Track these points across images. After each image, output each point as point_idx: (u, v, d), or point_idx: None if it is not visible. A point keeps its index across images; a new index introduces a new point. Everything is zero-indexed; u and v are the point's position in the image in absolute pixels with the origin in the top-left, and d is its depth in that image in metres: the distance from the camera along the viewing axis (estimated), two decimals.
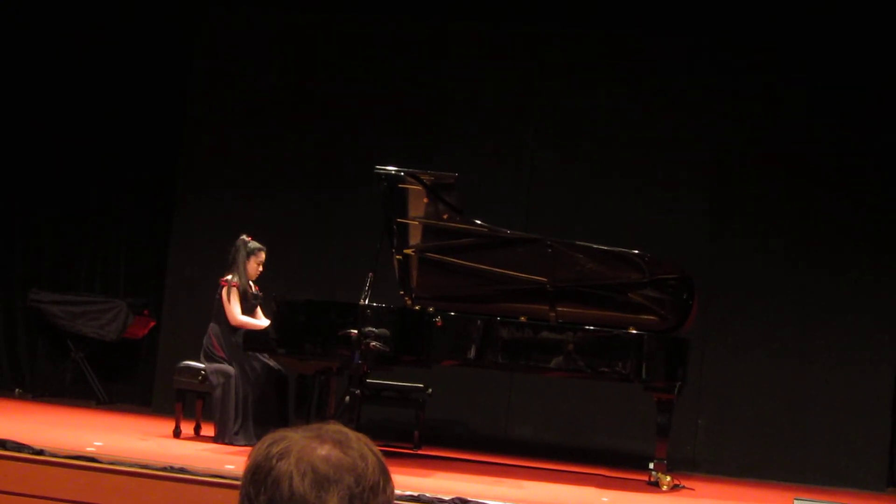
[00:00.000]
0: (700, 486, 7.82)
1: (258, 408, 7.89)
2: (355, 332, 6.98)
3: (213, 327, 8.06)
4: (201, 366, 8.01)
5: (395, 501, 1.66)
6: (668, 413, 7.36)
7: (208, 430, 8.02)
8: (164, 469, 5.89)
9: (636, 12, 9.38)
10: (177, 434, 7.93)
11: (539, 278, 7.63)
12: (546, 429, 9.25)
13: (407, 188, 7.71)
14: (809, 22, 9.11)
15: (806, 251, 9.10)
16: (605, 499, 7.05)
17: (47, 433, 7.10)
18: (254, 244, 8.10)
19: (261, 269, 8.14)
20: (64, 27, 10.27)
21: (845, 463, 8.87)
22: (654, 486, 7.33)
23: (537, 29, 9.58)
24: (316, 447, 1.61)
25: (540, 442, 9.14)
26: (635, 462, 8.14)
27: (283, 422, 7.81)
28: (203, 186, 9.90)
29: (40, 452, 5.99)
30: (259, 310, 8.18)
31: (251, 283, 8.14)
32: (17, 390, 10.07)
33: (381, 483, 1.62)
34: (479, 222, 7.77)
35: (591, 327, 7.49)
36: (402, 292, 7.87)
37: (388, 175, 7.66)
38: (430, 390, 8.52)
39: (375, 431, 6.54)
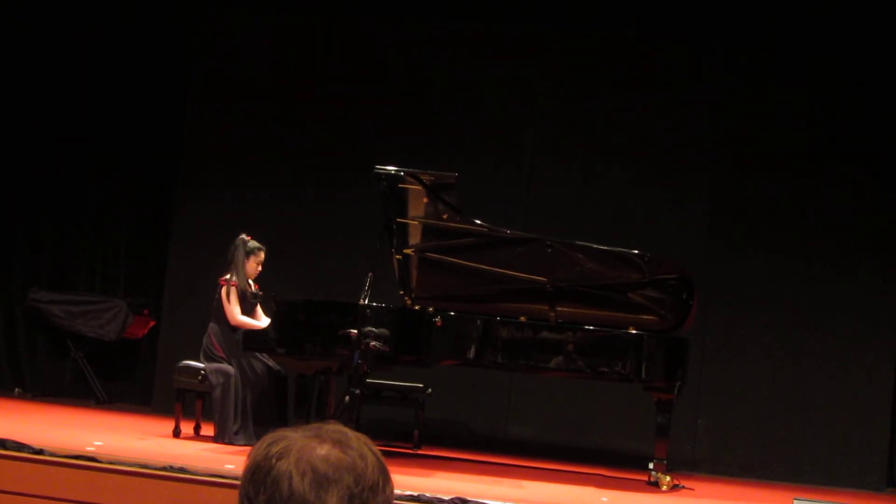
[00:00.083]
0: (700, 486, 7.82)
1: (258, 407, 7.89)
2: (355, 331, 6.98)
3: (212, 327, 8.06)
4: (201, 365, 8.01)
5: (395, 501, 1.66)
6: (667, 413, 7.36)
7: (208, 429, 8.02)
8: (164, 469, 5.89)
9: (636, 12, 9.38)
10: (176, 434, 7.93)
11: (539, 278, 7.63)
12: (546, 429, 9.25)
13: (407, 188, 7.71)
14: (809, 22, 9.11)
15: (806, 251, 9.10)
16: (604, 498, 7.05)
17: (47, 433, 7.10)
18: (253, 244, 8.10)
19: (260, 268, 8.14)
20: (64, 27, 10.27)
21: (845, 463, 8.87)
22: (654, 485, 7.33)
23: (537, 29, 9.58)
24: (315, 447, 1.61)
25: (539, 442, 9.13)
26: (635, 462, 8.14)
27: (283, 421, 7.81)
28: (203, 186, 9.90)
29: (40, 452, 5.99)
30: (259, 308, 8.17)
31: (250, 281, 8.14)
32: (16, 390, 10.07)
33: (381, 483, 1.62)
34: (478, 222, 7.77)
35: (591, 327, 7.49)
36: (401, 292, 7.87)
37: (388, 175, 7.66)
38: (430, 390, 8.52)
39: (375, 431, 6.55)
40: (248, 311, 8.07)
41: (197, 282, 9.34)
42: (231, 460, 6.74)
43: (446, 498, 5.84)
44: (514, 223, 8.57)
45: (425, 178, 7.68)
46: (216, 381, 7.89)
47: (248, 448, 6.21)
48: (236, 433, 7.78)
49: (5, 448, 6.01)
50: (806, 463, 8.91)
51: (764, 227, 9.20)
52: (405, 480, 6.29)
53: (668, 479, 7.33)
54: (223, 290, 7.99)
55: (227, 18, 10.09)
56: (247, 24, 10.06)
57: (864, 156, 9.10)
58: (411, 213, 7.80)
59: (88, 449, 6.38)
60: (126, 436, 7.75)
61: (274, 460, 1.60)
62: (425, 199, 7.73)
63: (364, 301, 7.42)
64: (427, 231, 7.83)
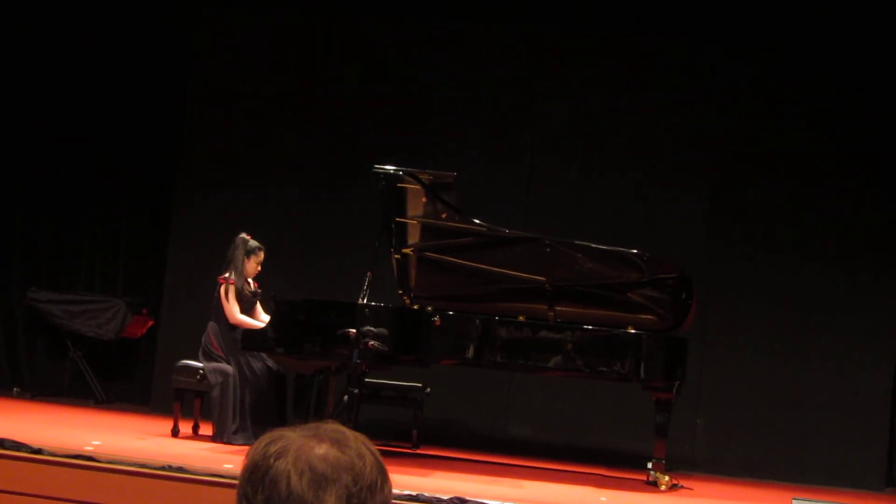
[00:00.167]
0: (699, 486, 7.82)
1: (256, 407, 7.88)
2: (354, 331, 6.98)
3: (211, 326, 8.05)
4: (200, 365, 8.01)
5: (394, 501, 1.66)
6: (666, 412, 7.36)
7: (207, 429, 8.02)
8: (163, 468, 5.89)
9: (636, 12, 9.38)
10: (175, 433, 7.93)
11: (538, 278, 7.62)
12: (545, 428, 9.25)
13: (405, 187, 7.71)
14: (809, 22, 9.11)
15: (805, 251, 9.10)
16: (603, 498, 7.05)
17: (46, 432, 7.10)
18: (253, 243, 8.09)
19: (259, 268, 8.14)
20: (64, 27, 10.26)
21: (845, 463, 8.87)
22: (653, 485, 7.33)
23: (536, 29, 9.58)
24: (314, 446, 1.61)
25: (538, 441, 9.13)
26: (634, 461, 8.14)
27: (282, 421, 7.81)
28: (202, 186, 9.90)
29: (39, 451, 5.99)
30: (259, 306, 8.17)
31: (249, 280, 8.13)
32: (15, 389, 10.06)
33: (379, 482, 1.62)
34: (477, 221, 7.76)
35: (590, 327, 7.49)
36: (400, 292, 7.87)
37: (387, 174, 7.66)
38: (429, 390, 8.52)
39: (374, 431, 6.54)
40: (247, 309, 8.06)
41: (196, 281, 9.33)
42: (229, 460, 6.74)
43: (445, 497, 5.84)
44: (514, 223, 8.57)
45: (424, 177, 7.68)
46: (215, 380, 7.89)
47: (246, 447, 6.19)
48: (235, 433, 7.78)
49: (4, 447, 6.01)
50: (805, 462, 8.91)
51: (763, 227, 9.20)
52: (404, 480, 6.29)
53: (666, 478, 7.33)
54: (222, 289, 7.99)
55: (227, 18, 10.09)
56: (247, 24, 10.05)
57: (863, 156, 9.10)
58: (410, 212, 7.80)
59: (87, 448, 6.38)
60: (125, 435, 7.75)
61: (272, 460, 1.60)
62: (424, 199, 7.73)
63: (363, 300, 7.42)
64: (426, 230, 7.83)
